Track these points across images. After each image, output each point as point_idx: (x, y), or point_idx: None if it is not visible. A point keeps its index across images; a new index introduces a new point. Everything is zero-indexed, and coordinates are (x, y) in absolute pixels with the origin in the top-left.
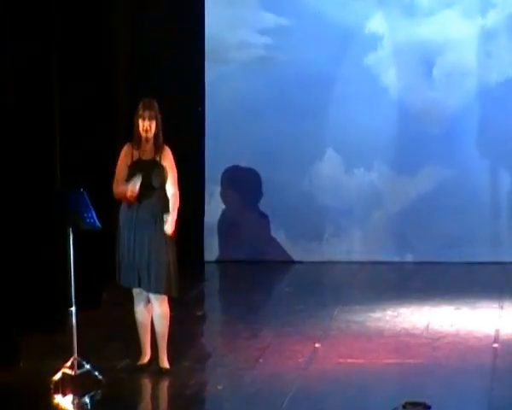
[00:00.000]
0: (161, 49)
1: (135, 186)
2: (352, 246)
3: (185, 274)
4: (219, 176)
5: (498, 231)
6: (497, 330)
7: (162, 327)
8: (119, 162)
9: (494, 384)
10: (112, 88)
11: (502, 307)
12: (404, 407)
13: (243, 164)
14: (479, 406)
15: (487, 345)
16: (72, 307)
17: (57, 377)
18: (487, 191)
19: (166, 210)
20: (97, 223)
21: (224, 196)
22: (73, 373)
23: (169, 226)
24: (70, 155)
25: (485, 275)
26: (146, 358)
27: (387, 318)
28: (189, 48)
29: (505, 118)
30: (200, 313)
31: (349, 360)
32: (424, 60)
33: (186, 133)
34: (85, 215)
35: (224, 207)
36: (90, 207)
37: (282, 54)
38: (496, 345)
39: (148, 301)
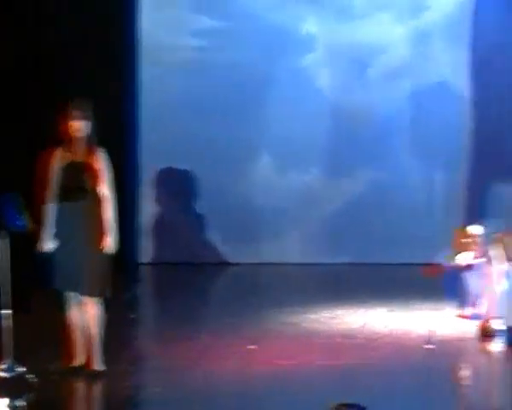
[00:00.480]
0: (96, 51)
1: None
2: (289, 248)
3: (119, 276)
4: (155, 177)
5: (432, 232)
6: (432, 332)
7: (96, 329)
8: (51, 165)
9: (429, 385)
10: (45, 89)
11: (436, 309)
12: (337, 408)
13: (179, 166)
14: (414, 406)
15: (422, 346)
16: (3, 309)
17: None
18: (421, 192)
19: (99, 212)
20: (26, 225)
21: (159, 197)
22: (6, 376)
23: (109, 249)
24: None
25: (419, 276)
26: (79, 360)
27: (323, 319)
28: (124, 50)
29: (439, 119)
30: (134, 316)
31: (285, 362)
32: (359, 62)
33: (121, 134)
34: (15, 217)
35: (159, 208)
36: (21, 209)
37: (217, 56)
38: (430, 346)
39: (82, 303)
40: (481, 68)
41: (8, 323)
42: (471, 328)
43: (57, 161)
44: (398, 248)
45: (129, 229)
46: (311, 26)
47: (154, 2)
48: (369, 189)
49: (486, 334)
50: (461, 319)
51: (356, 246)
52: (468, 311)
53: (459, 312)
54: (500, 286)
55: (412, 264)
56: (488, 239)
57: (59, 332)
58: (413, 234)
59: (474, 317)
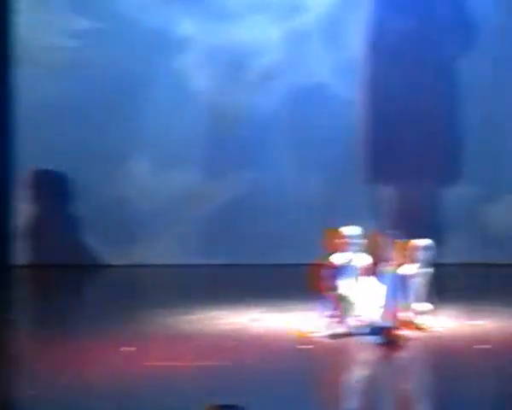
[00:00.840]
0: None
1: None
2: (165, 249)
3: None
4: (30, 178)
5: (309, 233)
6: (306, 333)
7: None
8: None
9: (305, 385)
10: None
11: (312, 309)
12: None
13: (55, 167)
14: (290, 407)
15: (298, 346)
16: None
17: None
18: (299, 194)
19: None
20: None
21: (35, 198)
22: None
23: None
24: None
25: (295, 277)
26: None
27: (201, 320)
28: None
29: (315, 120)
30: (8, 318)
31: (161, 363)
32: (235, 63)
33: None
34: None
35: (35, 209)
36: None
37: (93, 57)
38: (303, 346)
39: None
40: (361, 69)
41: None
42: (345, 327)
43: None
44: (276, 249)
45: (3, 231)
46: (187, 26)
47: (30, 3)
48: (246, 190)
49: (359, 333)
50: (335, 319)
51: (233, 247)
52: (341, 311)
53: (332, 312)
54: (370, 287)
55: (289, 265)
56: (363, 240)
57: None
58: (290, 235)
59: (347, 316)
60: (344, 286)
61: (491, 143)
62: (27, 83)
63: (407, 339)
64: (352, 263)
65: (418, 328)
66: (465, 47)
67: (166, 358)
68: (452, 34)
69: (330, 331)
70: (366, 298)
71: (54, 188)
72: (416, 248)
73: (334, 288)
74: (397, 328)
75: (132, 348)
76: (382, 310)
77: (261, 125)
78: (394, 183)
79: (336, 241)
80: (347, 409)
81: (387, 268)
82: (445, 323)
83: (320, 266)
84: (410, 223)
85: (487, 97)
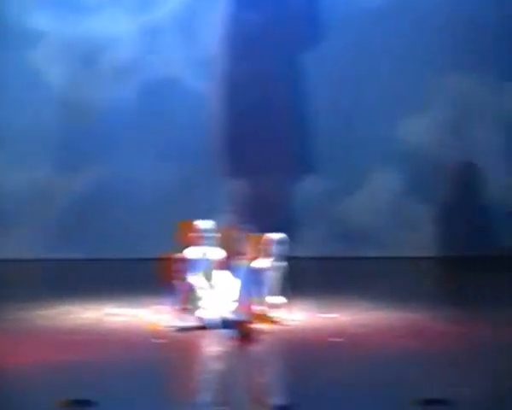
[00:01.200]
0: None
1: None
2: (18, 244)
3: None
4: None
5: (161, 227)
6: (160, 326)
7: None
8: None
9: (157, 379)
10: None
11: (163, 303)
12: (64, 404)
13: None
14: (142, 401)
15: (151, 341)
16: None
17: None
18: (151, 188)
19: None
20: None
21: None
22: None
23: None
24: None
25: (149, 271)
26: None
27: (53, 315)
28: None
29: (170, 114)
30: None
31: (16, 360)
32: (88, 57)
33: None
34: None
35: None
36: None
37: None
38: (157, 340)
39: None
40: (215, 63)
41: None
42: (197, 320)
43: None
44: (130, 243)
45: None
46: (39, 19)
47: None
48: (100, 184)
49: (213, 326)
50: (187, 312)
51: (88, 242)
52: (192, 305)
53: (185, 305)
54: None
55: (143, 259)
56: (216, 234)
57: None
58: (145, 229)
59: (198, 310)
60: (196, 280)
61: (342, 136)
62: None
63: (261, 332)
64: (206, 257)
65: (272, 321)
66: (314, 39)
67: (18, 354)
68: (302, 27)
69: (183, 325)
70: (220, 292)
71: None
72: (270, 241)
73: (186, 281)
74: (250, 321)
75: None
76: (236, 304)
77: (115, 119)
78: (248, 177)
79: (190, 234)
80: (201, 402)
81: (241, 262)
82: (299, 316)
83: (172, 259)
84: (263, 217)
85: (336, 89)
